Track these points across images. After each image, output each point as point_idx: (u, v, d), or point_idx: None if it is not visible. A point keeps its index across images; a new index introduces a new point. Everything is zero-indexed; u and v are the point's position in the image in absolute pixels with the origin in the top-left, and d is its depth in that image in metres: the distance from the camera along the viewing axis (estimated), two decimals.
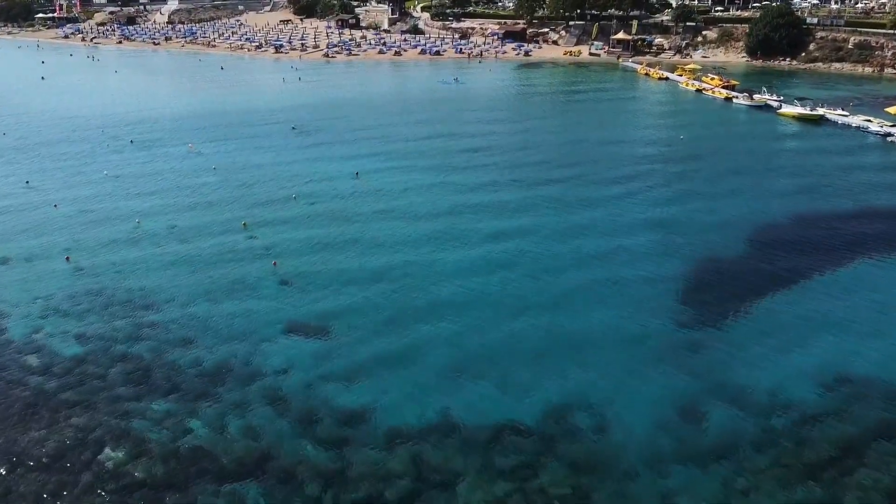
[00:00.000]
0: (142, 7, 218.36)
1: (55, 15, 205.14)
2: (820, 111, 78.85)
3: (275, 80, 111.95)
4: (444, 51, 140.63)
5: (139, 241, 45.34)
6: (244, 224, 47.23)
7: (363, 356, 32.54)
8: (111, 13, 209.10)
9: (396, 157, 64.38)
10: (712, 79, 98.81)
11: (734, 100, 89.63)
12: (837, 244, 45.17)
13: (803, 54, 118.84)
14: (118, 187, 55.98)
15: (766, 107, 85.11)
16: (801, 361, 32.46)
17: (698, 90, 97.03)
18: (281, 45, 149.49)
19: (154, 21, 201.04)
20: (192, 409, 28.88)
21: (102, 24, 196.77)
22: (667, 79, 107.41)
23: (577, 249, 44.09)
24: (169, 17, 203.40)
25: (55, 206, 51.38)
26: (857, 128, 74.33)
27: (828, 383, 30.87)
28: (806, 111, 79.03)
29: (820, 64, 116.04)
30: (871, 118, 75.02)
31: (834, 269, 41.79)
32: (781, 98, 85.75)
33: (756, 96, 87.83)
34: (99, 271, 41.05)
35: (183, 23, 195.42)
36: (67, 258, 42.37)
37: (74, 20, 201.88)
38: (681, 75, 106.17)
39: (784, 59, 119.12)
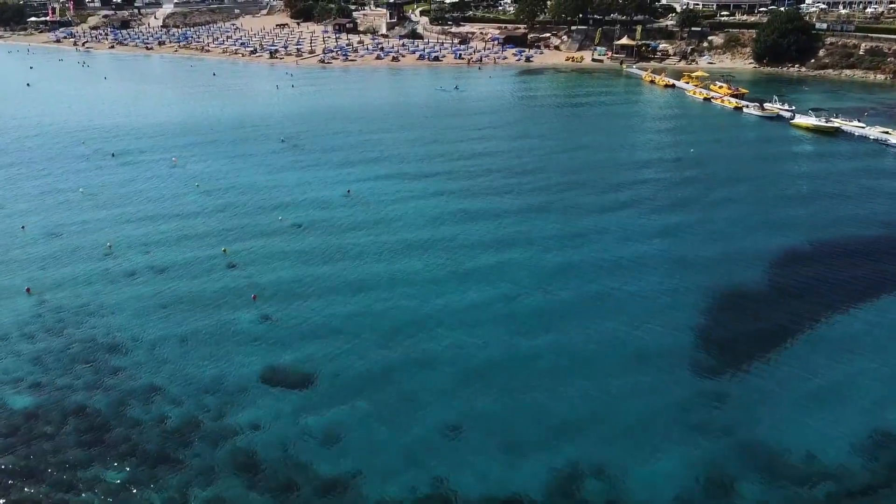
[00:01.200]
0: (136, 10, 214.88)
1: (48, 18, 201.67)
2: (835, 122, 75.33)
3: (268, 87, 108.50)
4: (443, 56, 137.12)
5: (109, 269, 41.75)
6: (224, 250, 43.65)
7: (348, 410, 29.00)
8: (105, 17, 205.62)
9: (390, 172, 60.74)
10: (721, 87, 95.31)
11: (744, 109, 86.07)
12: (868, 271, 41.59)
13: (812, 61, 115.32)
14: (93, 206, 52.37)
15: (778, 117, 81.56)
16: (837, 415, 28.91)
17: (706, 99, 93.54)
18: (276, 51, 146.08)
19: (148, 25, 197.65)
20: (151, 477, 25.32)
21: (96, 27, 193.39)
22: (673, 86, 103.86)
23: (584, 277, 40.55)
24: (164, 20, 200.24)
25: (22, 227, 47.86)
26: (876, 140, 70.83)
27: (871, 444, 27.32)
28: (821, 123, 75.40)
29: (830, 71, 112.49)
30: (890, 130, 71.53)
31: (866, 299, 38.31)
32: (793, 108, 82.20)
33: (767, 106, 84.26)
34: (62, 305, 37.50)
35: (178, 26, 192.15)
36: (28, 289, 38.80)
37: (68, 24, 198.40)
38: (688, 83, 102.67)
39: (793, 66, 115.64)
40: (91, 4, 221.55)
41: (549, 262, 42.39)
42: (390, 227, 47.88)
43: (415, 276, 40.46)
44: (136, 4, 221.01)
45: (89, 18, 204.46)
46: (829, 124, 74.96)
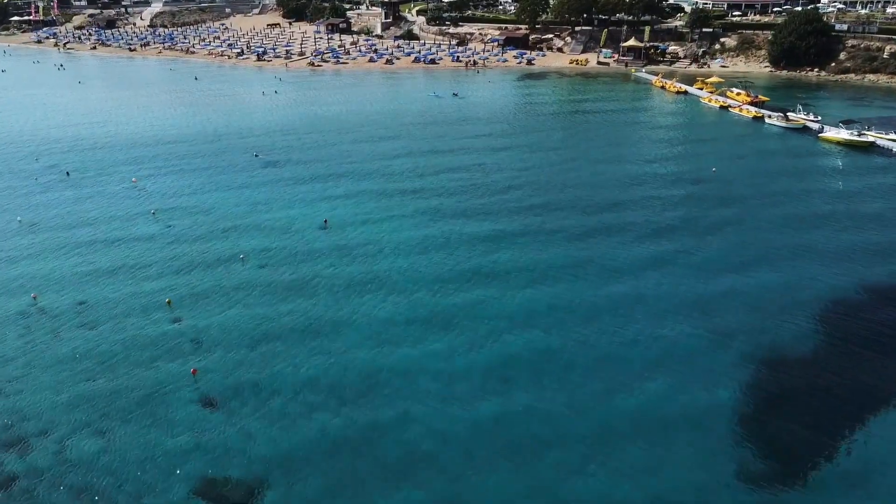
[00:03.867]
0: (123, 10, 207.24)
1: (31, 18, 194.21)
2: (870, 136, 68.23)
3: (252, 92, 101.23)
4: (440, 59, 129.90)
5: (30, 327, 34.72)
6: (168, 301, 36.60)
7: None
8: (91, 16, 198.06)
9: (376, 198, 53.45)
10: (738, 94, 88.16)
11: (766, 119, 79.00)
12: None
13: (833, 64, 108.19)
14: (27, 242, 45.25)
15: (804, 129, 74.51)
16: None
17: (723, 107, 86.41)
18: (264, 53, 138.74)
19: (135, 25, 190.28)
20: None
21: (80, 27, 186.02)
22: (685, 93, 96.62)
23: (587, 324, 33.54)
24: (151, 20, 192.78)
25: None
26: None
27: None
28: (853, 136, 68.32)
29: (852, 75, 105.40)
30: None
31: None
32: (820, 119, 75.18)
33: (791, 115, 77.20)
34: None
35: (165, 26, 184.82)
36: None
37: (52, 23, 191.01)
38: (701, 89, 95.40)
39: (812, 70, 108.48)
40: (77, 3, 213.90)
41: (548, 304, 35.35)
42: (374, 271, 40.43)
43: (402, 341, 33.33)
44: (123, 3, 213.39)
45: (74, 18, 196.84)
46: (863, 139, 67.90)
